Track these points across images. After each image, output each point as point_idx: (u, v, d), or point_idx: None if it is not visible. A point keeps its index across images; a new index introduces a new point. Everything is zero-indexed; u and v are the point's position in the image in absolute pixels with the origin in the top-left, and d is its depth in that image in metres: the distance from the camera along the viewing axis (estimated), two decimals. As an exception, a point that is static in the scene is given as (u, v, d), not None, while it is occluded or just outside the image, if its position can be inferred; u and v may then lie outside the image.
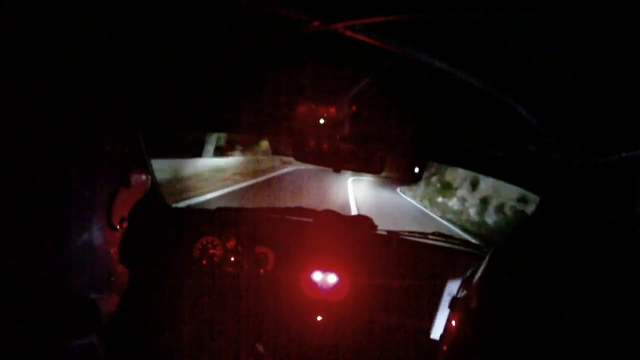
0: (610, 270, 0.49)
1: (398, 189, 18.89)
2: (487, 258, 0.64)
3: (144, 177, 0.72)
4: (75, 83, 0.66)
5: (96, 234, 0.61)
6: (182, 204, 5.68)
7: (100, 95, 0.89)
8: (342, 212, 1.79)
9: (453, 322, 0.71)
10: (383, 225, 1.76)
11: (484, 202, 11.75)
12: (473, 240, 1.68)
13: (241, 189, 9.28)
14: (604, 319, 0.45)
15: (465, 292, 0.73)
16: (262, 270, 1.62)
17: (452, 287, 0.91)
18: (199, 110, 1.50)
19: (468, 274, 0.81)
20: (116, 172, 0.66)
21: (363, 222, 1.73)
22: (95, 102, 0.72)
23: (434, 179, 15.95)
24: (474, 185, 13.09)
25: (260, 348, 1.42)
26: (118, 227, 0.67)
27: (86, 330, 0.63)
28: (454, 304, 0.75)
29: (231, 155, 13.46)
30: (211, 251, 1.65)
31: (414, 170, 1.57)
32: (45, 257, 0.54)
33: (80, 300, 0.58)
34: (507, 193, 10.79)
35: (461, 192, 13.72)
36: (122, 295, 0.70)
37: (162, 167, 7.92)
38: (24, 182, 0.51)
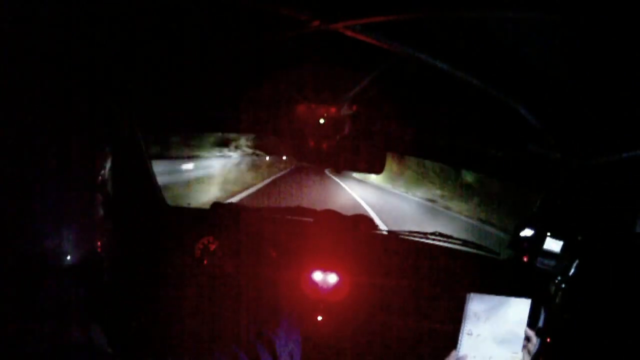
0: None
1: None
2: (576, 276, 0.64)
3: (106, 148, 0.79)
4: (71, 79, 0.66)
5: (94, 202, 0.64)
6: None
7: (98, 90, 0.90)
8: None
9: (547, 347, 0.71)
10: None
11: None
12: (473, 240, 1.68)
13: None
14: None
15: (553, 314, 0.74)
16: (262, 270, 1.62)
17: (487, 304, 0.93)
18: (198, 109, 1.50)
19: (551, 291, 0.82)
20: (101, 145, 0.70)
21: (363, 222, 1.73)
22: (93, 96, 0.73)
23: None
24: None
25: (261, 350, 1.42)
26: (106, 190, 0.71)
27: (87, 322, 0.63)
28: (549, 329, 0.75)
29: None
30: (212, 251, 1.65)
31: None
32: (52, 229, 0.56)
33: (84, 258, 0.60)
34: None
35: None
36: (114, 258, 0.74)
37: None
38: (28, 163, 0.53)
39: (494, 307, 0.93)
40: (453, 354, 0.91)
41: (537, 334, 0.81)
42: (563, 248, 0.99)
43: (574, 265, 0.76)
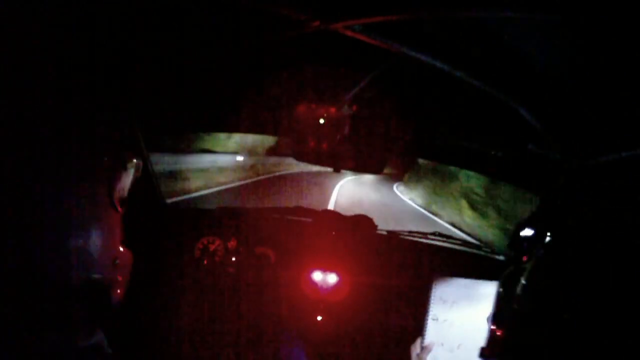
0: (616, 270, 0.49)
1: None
2: (531, 266, 0.64)
3: (137, 161, 0.74)
4: (74, 78, 0.66)
5: (97, 218, 0.61)
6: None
7: (98, 90, 0.89)
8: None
9: (497, 336, 0.71)
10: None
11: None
12: (473, 240, 1.67)
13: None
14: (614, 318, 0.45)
15: (505, 303, 0.73)
16: (262, 271, 1.62)
17: (454, 287, 0.90)
18: (198, 109, 1.50)
19: (501, 282, 0.81)
20: (115, 155, 0.67)
21: (363, 222, 1.73)
22: (94, 97, 0.72)
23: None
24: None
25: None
26: (119, 208, 0.68)
27: (93, 327, 0.63)
28: (498, 319, 0.74)
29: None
30: (212, 251, 1.65)
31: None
32: (44, 247, 0.54)
33: (85, 286, 0.59)
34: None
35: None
36: (128, 281, 0.71)
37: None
38: (24, 171, 0.52)
39: (460, 291, 0.87)
40: (418, 341, 0.86)
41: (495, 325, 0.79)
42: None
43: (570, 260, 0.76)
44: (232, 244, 1.65)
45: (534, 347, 0.52)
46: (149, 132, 1.51)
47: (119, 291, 0.67)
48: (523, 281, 0.64)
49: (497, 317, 0.75)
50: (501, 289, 0.81)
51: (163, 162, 6.88)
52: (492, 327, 0.76)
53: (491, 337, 0.75)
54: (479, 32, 0.69)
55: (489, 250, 1.67)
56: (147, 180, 1.59)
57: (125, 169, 0.68)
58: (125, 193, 0.69)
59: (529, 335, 0.54)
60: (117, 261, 0.65)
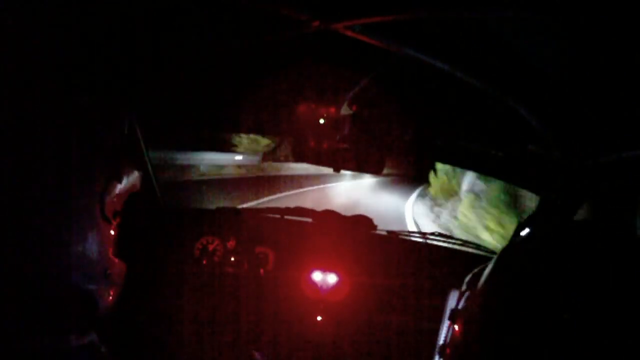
0: (614, 271, 0.49)
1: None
2: (493, 263, 0.63)
3: (136, 172, 0.73)
4: (71, 79, 0.66)
5: (91, 228, 0.61)
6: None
7: (97, 91, 0.89)
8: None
9: (455, 333, 0.70)
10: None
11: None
12: (472, 240, 1.68)
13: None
14: (611, 321, 0.45)
15: (467, 300, 0.72)
16: (262, 270, 1.62)
17: (454, 287, 0.89)
18: (198, 109, 1.50)
19: (467, 279, 0.80)
20: (109, 166, 0.65)
21: (363, 222, 1.73)
22: (93, 97, 0.72)
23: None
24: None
25: (258, 355, 1.41)
26: (112, 220, 0.67)
27: (85, 328, 0.63)
28: (454, 315, 0.74)
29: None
30: (211, 251, 1.65)
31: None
32: (43, 254, 0.54)
33: (77, 294, 0.59)
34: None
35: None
36: (120, 290, 0.70)
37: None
38: (21, 178, 0.52)
39: None
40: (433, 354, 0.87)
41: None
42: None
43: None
44: (231, 243, 1.65)
45: (502, 347, 0.52)
46: (149, 132, 1.51)
47: (110, 298, 0.67)
48: (485, 277, 0.63)
49: (457, 315, 0.74)
50: (464, 287, 0.80)
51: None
52: (452, 325, 0.75)
53: (451, 336, 0.75)
54: (479, 32, 0.69)
55: (488, 250, 1.67)
56: (147, 181, 1.59)
57: (119, 181, 0.67)
58: (119, 206, 0.68)
59: (494, 334, 0.53)
60: (109, 272, 0.64)
